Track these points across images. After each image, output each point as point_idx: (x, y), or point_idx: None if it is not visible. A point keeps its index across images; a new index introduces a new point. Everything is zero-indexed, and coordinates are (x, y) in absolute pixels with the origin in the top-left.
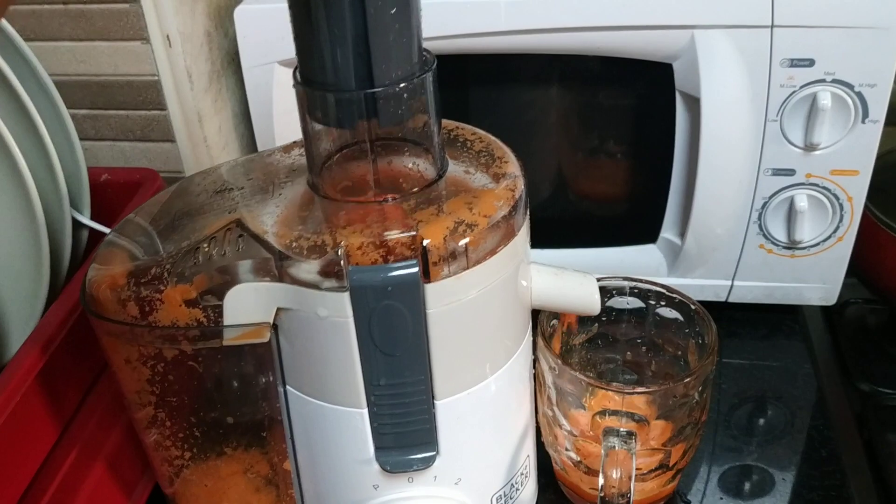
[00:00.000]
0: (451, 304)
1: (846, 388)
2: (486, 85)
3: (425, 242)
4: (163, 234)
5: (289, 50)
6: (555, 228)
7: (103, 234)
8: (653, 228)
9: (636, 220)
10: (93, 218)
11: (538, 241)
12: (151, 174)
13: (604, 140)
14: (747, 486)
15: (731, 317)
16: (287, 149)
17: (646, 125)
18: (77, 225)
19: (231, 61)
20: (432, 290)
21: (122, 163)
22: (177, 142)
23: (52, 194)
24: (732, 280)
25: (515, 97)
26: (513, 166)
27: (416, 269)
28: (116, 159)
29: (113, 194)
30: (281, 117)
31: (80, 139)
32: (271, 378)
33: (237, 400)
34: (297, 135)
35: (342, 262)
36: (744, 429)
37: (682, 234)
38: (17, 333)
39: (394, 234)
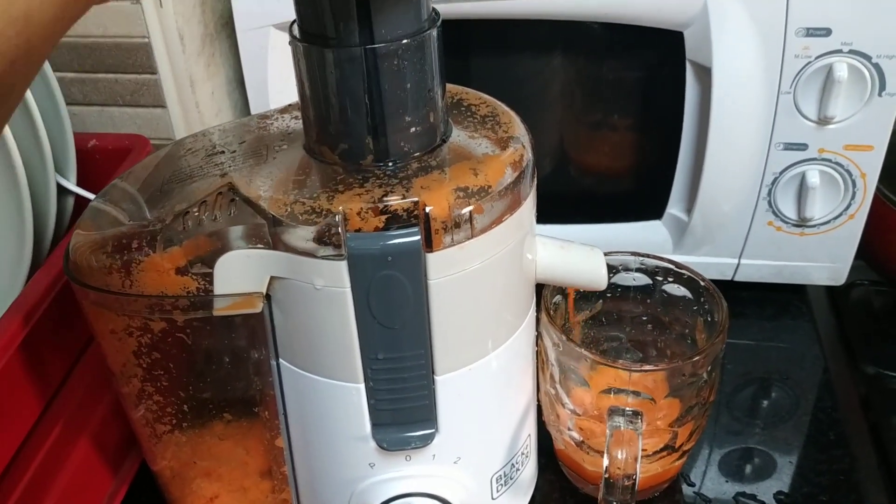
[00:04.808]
0: (454, 274)
1: (851, 370)
2: (487, 54)
3: (428, 209)
4: (151, 200)
5: (285, 13)
6: (557, 203)
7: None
8: (659, 204)
9: (642, 196)
10: (80, 185)
11: (540, 215)
12: (141, 140)
13: (610, 112)
14: (752, 468)
15: (736, 296)
16: (282, 111)
17: (654, 96)
18: (62, 191)
19: (225, 24)
20: (434, 260)
21: (110, 129)
22: (168, 107)
23: (36, 159)
24: (739, 258)
25: (519, 67)
26: (519, 132)
27: (417, 237)
28: (105, 125)
29: (101, 161)
30: (276, 83)
31: (67, 103)
32: (264, 351)
33: (228, 374)
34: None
35: (340, 228)
36: (750, 410)
37: (689, 210)
38: None
39: (395, 200)
